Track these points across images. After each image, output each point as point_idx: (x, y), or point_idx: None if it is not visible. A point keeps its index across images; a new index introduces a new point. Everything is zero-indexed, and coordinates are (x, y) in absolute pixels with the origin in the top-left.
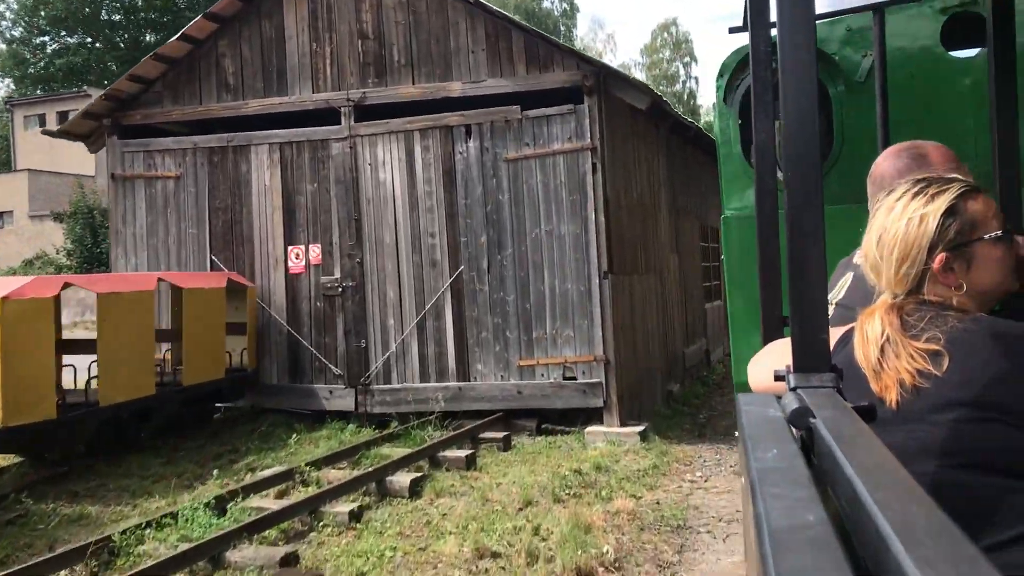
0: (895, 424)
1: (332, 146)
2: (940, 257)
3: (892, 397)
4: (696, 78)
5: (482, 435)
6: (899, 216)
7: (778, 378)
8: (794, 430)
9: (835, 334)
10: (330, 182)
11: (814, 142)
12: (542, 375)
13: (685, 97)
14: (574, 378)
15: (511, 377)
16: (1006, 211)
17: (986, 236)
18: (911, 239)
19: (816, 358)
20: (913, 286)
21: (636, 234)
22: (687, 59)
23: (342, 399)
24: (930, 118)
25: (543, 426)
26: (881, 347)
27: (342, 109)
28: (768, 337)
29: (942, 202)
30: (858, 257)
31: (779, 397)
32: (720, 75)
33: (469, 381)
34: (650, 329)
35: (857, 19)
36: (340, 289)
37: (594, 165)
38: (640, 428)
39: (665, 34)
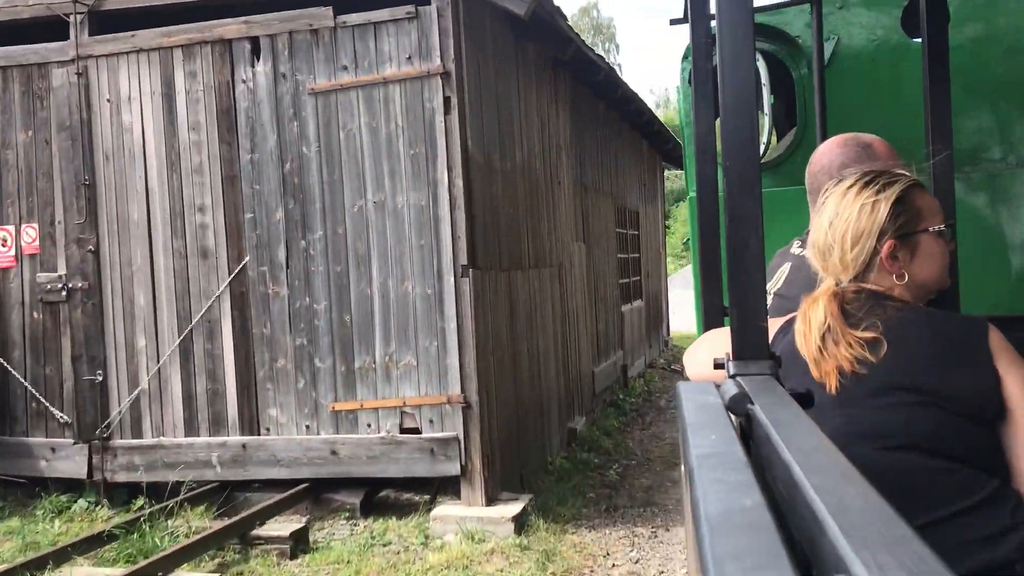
0: (835, 409)
1: (53, 74)
2: (889, 243)
3: (832, 383)
4: (619, 64)
5: (259, 531)
6: (851, 203)
7: (717, 366)
8: (733, 417)
9: (774, 323)
10: (51, 129)
11: (752, 131)
12: (368, 426)
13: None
14: (417, 430)
15: (322, 429)
16: (941, 203)
17: (931, 228)
18: (862, 225)
19: (755, 346)
20: (859, 272)
21: (518, 213)
22: (608, 45)
23: (69, 460)
24: (890, 102)
25: (375, 499)
26: (822, 335)
27: (70, 17)
28: (709, 326)
29: (893, 192)
30: (796, 247)
31: (719, 385)
32: (685, 56)
33: (258, 435)
34: (542, 348)
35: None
36: (65, 292)
37: (447, 101)
38: (517, 507)
39: (586, 18)
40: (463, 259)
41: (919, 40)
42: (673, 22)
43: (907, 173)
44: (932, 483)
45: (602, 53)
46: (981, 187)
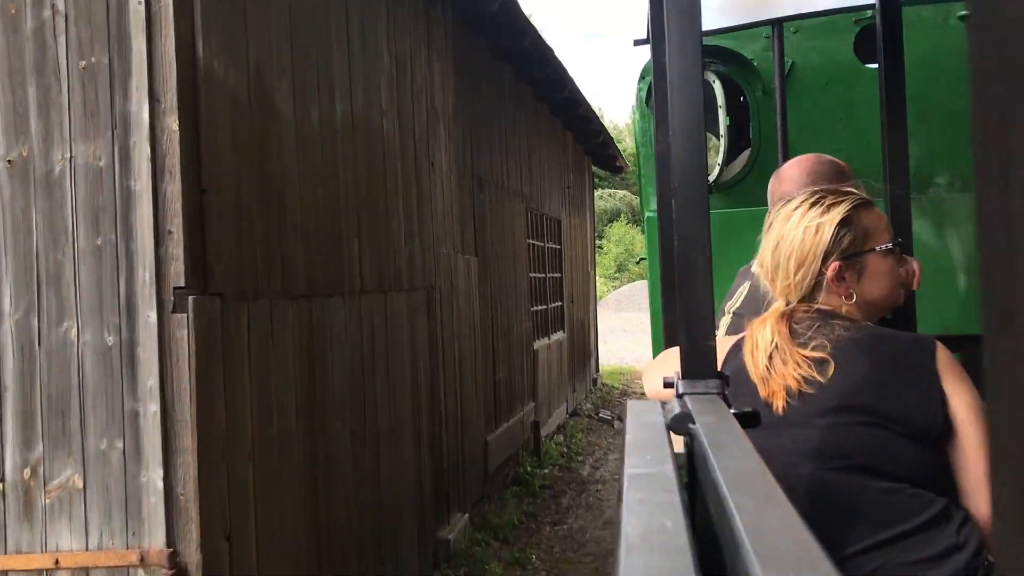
0: (781, 429)
1: None
2: (833, 266)
3: (779, 403)
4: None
5: None
6: (796, 225)
7: (667, 385)
8: (677, 436)
9: (728, 341)
10: None
11: (700, 153)
12: None
13: None
14: None
15: None
16: (896, 225)
17: (877, 248)
18: (807, 247)
19: (702, 364)
20: (806, 294)
21: (339, 200)
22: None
23: None
24: (845, 127)
25: None
26: (770, 354)
27: None
28: (670, 343)
29: (837, 213)
30: (756, 267)
31: (666, 403)
32: (642, 77)
33: None
34: (385, 424)
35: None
36: None
37: None
38: None
39: None
40: (177, 277)
41: (872, 65)
42: (636, 43)
43: (854, 192)
44: (878, 503)
45: None
46: (929, 211)
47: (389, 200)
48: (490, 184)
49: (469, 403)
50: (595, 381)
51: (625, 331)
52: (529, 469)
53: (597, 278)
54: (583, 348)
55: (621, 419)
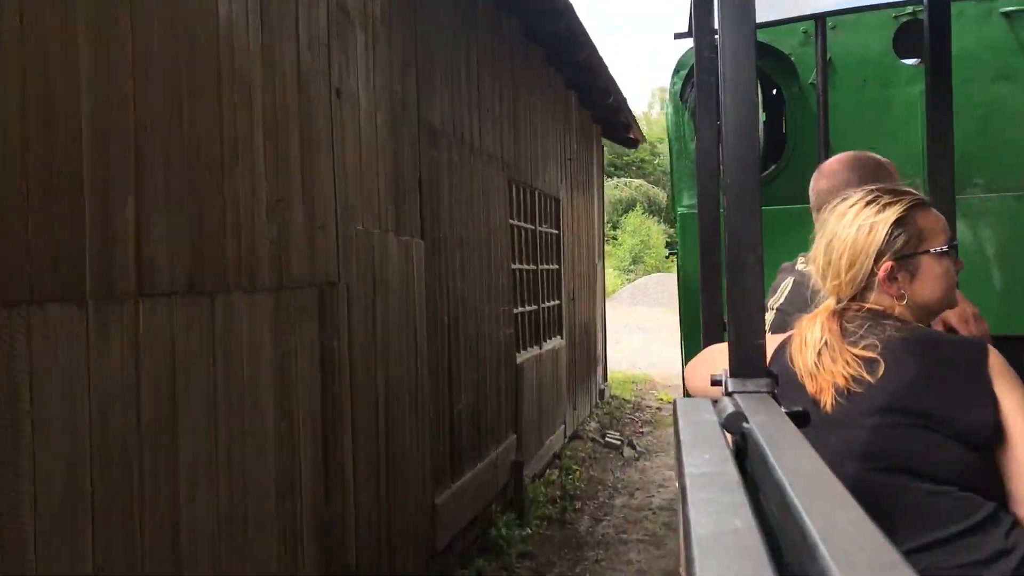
0: (828, 428)
1: None
2: (886, 266)
3: (827, 400)
4: None
5: None
6: (850, 223)
7: (715, 383)
8: (728, 435)
9: (774, 339)
10: None
11: (754, 149)
12: None
13: None
14: None
15: None
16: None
17: (932, 250)
18: (860, 246)
19: (752, 363)
20: (857, 292)
21: (65, 118)
22: None
23: None
24: (880, 124)
25: None
26: (818, 352)
27: None
28: (709, 341)
29: (892, 212)
30: (800, 263)
31: (716, 401)
32: (676, 71)
33: None
34: (234, 521)
35: (813, 23)
36: None
37: None
38: None
39: None
40: None
41: (910, 62)
42: (677, 36)
43: (912, 191)
44: (925, 505)
45: None
46: (966, 212)
47: (230, 139)
48: (450, 139)
49: (403, 455)
50: (601, 393)
51: (640, 328)
52: (504, 531)
53: (609, 271)
54: (587, 356)
55: (632, 444)
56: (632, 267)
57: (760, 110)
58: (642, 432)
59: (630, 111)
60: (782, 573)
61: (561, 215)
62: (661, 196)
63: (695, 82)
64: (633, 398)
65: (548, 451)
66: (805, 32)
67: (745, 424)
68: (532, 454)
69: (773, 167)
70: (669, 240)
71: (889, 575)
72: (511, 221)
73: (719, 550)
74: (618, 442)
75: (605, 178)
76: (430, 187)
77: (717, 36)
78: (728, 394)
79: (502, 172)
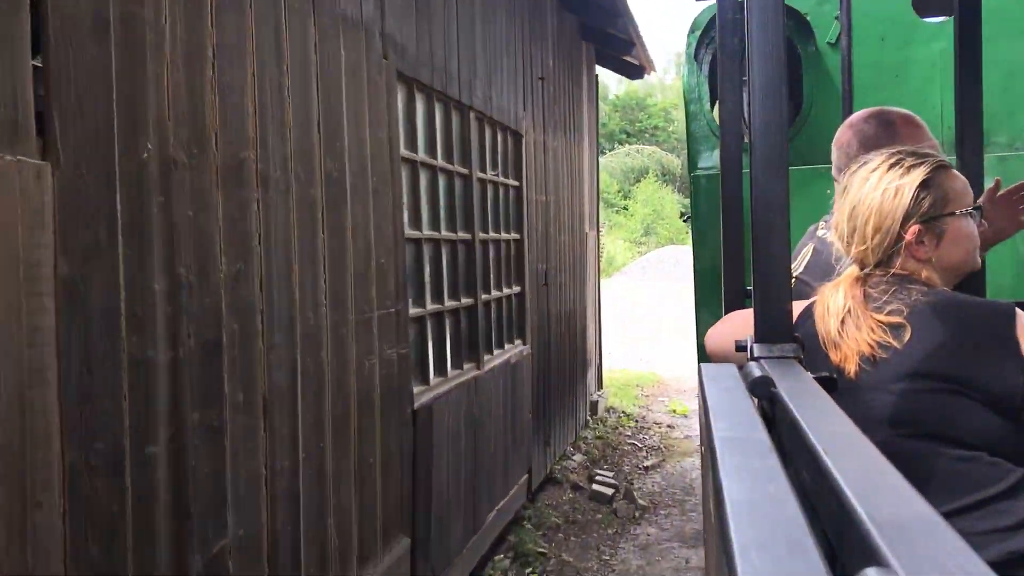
0: (854, 395)
1: None
2: (913, 229)
3: (851, 368)
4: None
5: None
6: (874, 187)
7: (739, 348)
8: (755, 400)
9: (798, 306)
10: None
11: (781, 113)
12: None
13: None
14: None
15: None
16: (969, 183)
17: (958, 211)
18: (886, 210)
19: (778, 328)
20: (883, 258)
21: None
22: None
23: None
24: (901, 83)
25: None
26: (842, 319)
27: None
28: (730, 306)
29: (918, 175)
30: (821, 230)
31: (740, 367)
32: (692, 31)
33: None
34: None
35: None
36: None
37: None
38: None
39: None
40: None
41: (930, 20)
42: None
43: (934, 153)
44: (954, 471)
45: None
46: (990, 171)
47: None
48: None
49: None
50: (594, 407)
51: (650, 309)
52: None
53: (619, 243)
54: (571, 361)
55: (631, 494)
56: (644, 239)
57: None
58: (646, 467)
59: (633, 20)
60: (817, 538)
61: (524, 159)
62: (676, 164)
63: (719, 43)
64: (636, 410)
65: (491, 532)
66: None
67: (773, 389)
68: (452, 552)
69: (790, 128)
70: (683, 210)
71: (936, 542)
72: (408, 155)
73: (756, 516)
74: (610, 490)
75: (616, 145)
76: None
77: None
78: (754, 359)
79: (382, 58)
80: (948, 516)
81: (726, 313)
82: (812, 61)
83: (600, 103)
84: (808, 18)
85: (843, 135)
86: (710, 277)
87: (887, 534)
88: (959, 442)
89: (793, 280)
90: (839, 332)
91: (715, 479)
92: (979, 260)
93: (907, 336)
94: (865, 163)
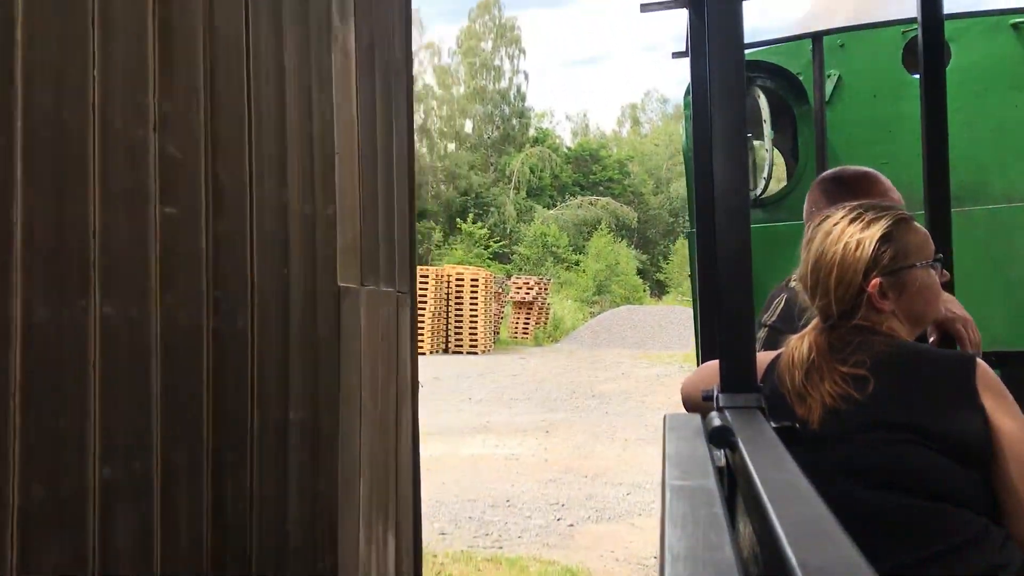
0: (819, 446)
1: None
2: (875, 282)
3: (815, 418)
4: (525, 72)
5: None
6: (836, 240)
7: (705, 398)
8: (718, 450)
9: (766, 357)
10: None
11: (742, 167)
12: None
13: (512, 97)
14: None
15: None
16: (937, 236)
17: (918, 264)
18: (847, 263)
19: (742, 378)
20: (847, 309)
21: None
22: (513, 49)
23: None
24: (894, 139)
25: None
26: (806, 370)
27: None
28: (706, 357)
29: (878, 228)
30: (793, 280)
31: (705, 416)
32: (687, 93)
33: None
34: None
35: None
36: None
37: None
38: None
39: (486, 16)
40: None
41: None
42: (675, 55)
43: (894, 206)
44: (917, 522)
45: (506, 61)
46: (981, 222)
47: None
48: None
49: None
50: None
51: (595, 393)
52: None
53: (568, 303)
54: None
55: None
56: (596, 297)
57: (769, 128)
58: None
59: None
60: None
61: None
62: (632, 217)
63: (692, 102)
64: None
65: None
66: (812, 51)
67: (732, 438)
68: None
69: (784, 186)
70: (640, 266)
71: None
72: None
73: (690, 563)
74: None
75: (568, 197)
76: None
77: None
78: (718, 409)
79: None
80: (915, 565)
81: (700, 364)
82: (805, 120)
83: (552, 155)
84: (800, 78)
85: (811, 192)
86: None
87: (803, 566)
88: (923, 492)
89: (767, 329)
90: (803, 383)
91: (660, 525)
92: (941, 309)
93: (870, 387)
94: (828, 216)
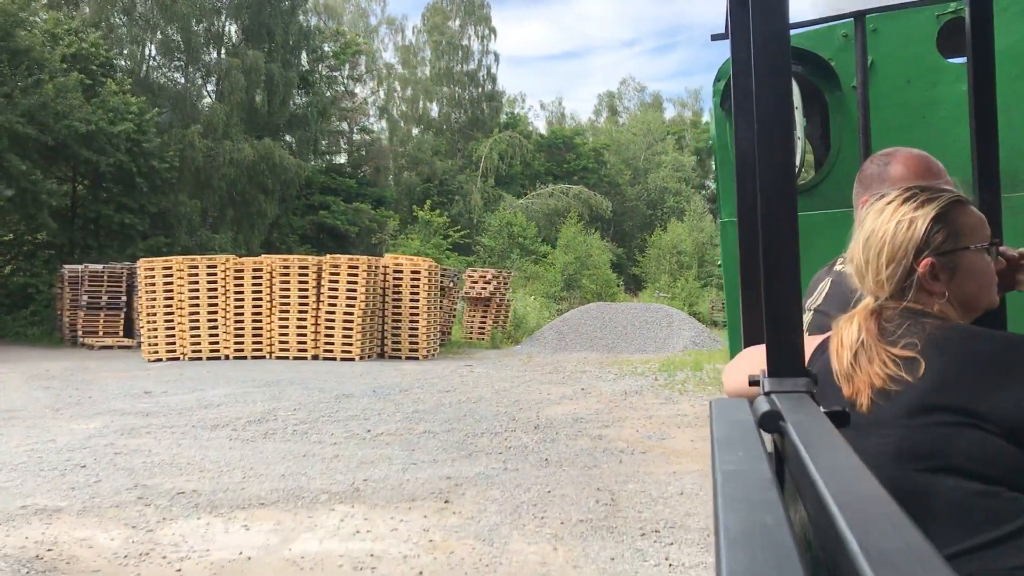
0: (868, 429)
1: None
2: (926, 262)
3: (864, 402)
4: (495, 54)
5: None
6: (888, 219)
7: (752, 383)
8: (766, 436)
9: (813, 340)
10: None
11: (789, 149)
12: None
13: (482, 78)
14: None
15: None
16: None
17: (972, 246)
18: (899, 242)
19: (790, 362)
20: (896, 291)
21: None
22: (483, 28)
23: None
24: (928, 125)
25: None
26: (855, 352)
27: None
28: (749, 343)
29: (932, 208)
30: (839, 264)
31: (752, 402)
32: (718, 79)
33: None
34: None
35: (853, 24)
36: None
37: None
38: None
39: None
40: None
41: (955, 61)
42: (714, 38)
43: (950, 189)
44: (971, 507)
45: (475, 41)
46: (1017, 210)
47: None
48: None
49: None
50: None
51: (559, 389)
52: None
53: (531, 299)
54: None
55: None
56: (564, 293)
57: (801, 115)
58: None
59: None
60: (816, 571)
61: None
62: (606, 207)
63: (732, 84)
64: None
65: None
66: (845, 35)
67: (782, 423)
68: None
69: (817, 173)
70: (614, 259)
71: (923, 568)
72: None
73: (749, 545)
74: None
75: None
76: None
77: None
78: (766, 394)
79: None
80: (969, 552)
81: (745, 348)
82: (838, 105)
83: (523, 141)
84: (832, 63)
85: (863, 171)
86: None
87: (877, 565)
88: (977, 476)
89: (812, 312)
90: (852, 365)
91: (714, 509)
92: (996, 297)
93: (921, 370)
94: (881, 196)
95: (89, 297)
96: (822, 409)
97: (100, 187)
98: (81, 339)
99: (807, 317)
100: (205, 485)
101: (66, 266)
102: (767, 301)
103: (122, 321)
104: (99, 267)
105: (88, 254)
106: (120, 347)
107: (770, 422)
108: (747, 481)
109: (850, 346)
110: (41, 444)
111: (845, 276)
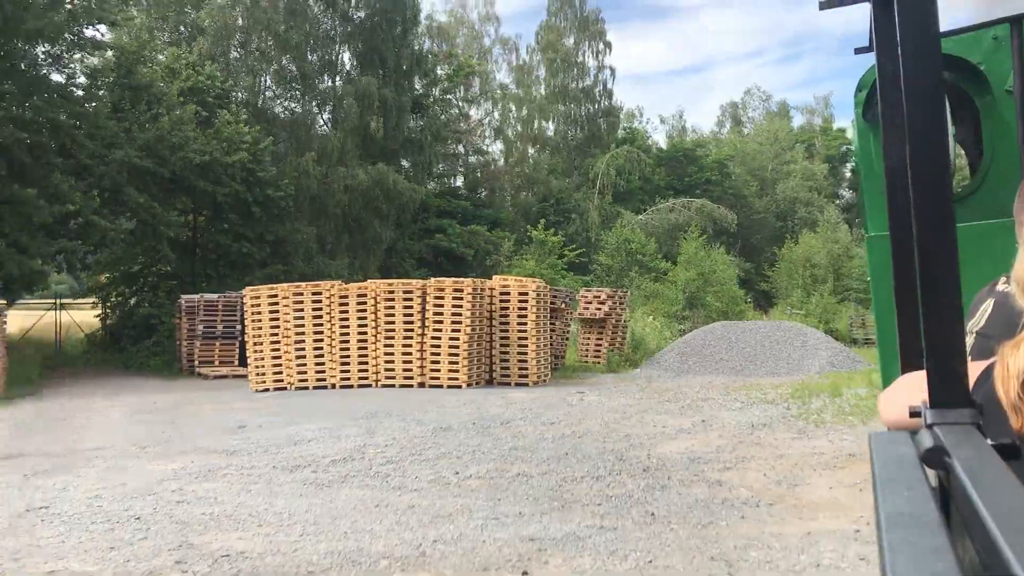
0: None
1: None
2: None
3: None
4: (611, 68)
5: None
6: None
7: (913, 414)
8: (930, 471)
9: (976, 367)
10: None
11: (944, 163)
12: None
13: (598, 94)
14: None
15: None
16: None
17: None
18: None
19: (953, 392)
20: None
21: None
22: (598, 43)
23: None
24: None
25: None
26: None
27: None
28: (906, 368)
29: None
30: (1001, 284)
31: (914, 434)
32: (859, 89)
33: None
34: None
35: (1004, 27)
36: None
37: None
38: None
39: (567, 9)
40: None
41: None
42: (858, 51)
43: None
44: None
45: (589, 57)
46: None
47: None
48: None
49: None
50: None
51: (677, 421)
52: None
53: (651, 320)
54: None
55: None
56: (686, 312)
57: (951, 124)
58: None
59: None
60: None
61: None
62: (732, 220)
63: (879, 96)
64: None
65: None
66: (995, 38)
67: (947, 458)
68: None
69: (970, 182)
70: (741, 275)
71: None
72: None
73: None
74: None
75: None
76: None
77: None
78: (928, 426)
79: None
80: None
81: (902, 374)
82: (989, 110)
83: (642, 155)
84: (983, 68)
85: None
86: (892, 343)
87: None
88: None
89: (974, 336)
90: (1020, 396)
91: (880, 555)
92: None
93: None
94: None
95: (205, 327)
96: (990, 442)
97: (219, 217)
98: (197, 368)
99: (968, 340)
100: (256, 545)
101: (183, 296)
102: (927, 325)
103: (237, 350)
104: (214, 296)
105: (209, 284)
106: (235, 376)
107: (935, 457)
108: (914, 523)
109: (1017, 375)
110: (109, 489)
111: (1010, 297)
